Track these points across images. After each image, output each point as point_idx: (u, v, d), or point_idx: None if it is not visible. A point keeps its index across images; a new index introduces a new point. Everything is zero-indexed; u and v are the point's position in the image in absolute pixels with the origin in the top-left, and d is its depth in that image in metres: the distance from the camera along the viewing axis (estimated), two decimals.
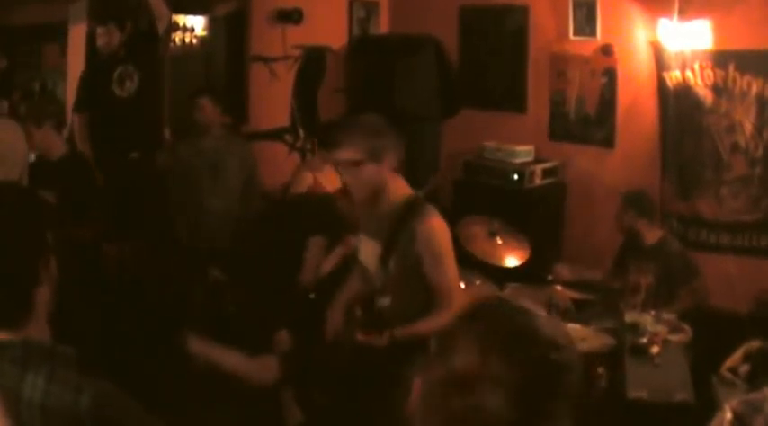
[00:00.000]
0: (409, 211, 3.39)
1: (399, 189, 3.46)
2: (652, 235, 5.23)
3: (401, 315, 3.35)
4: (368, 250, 3.54)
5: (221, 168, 5.59)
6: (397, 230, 3.37)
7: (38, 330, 1.87)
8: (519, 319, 1.36)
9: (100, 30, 5.73)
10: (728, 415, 1.91)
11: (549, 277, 5.23)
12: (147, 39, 6.19)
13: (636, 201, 5.30)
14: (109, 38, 5.71)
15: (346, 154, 3.35)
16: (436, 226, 3.39)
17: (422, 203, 3.47)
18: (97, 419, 1.78)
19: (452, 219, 6.14)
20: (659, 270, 5.03)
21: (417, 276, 3.37)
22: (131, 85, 5.78)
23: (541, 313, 1.46)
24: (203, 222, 5.61)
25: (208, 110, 5.61)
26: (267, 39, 6.76)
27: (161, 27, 6.24)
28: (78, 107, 5.74)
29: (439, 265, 3.37)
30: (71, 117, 5.85)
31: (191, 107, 5.63)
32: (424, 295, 3.39)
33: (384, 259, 3.40)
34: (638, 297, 4.92)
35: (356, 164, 3.33)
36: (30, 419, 1.78)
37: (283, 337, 4.15)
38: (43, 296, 1.86)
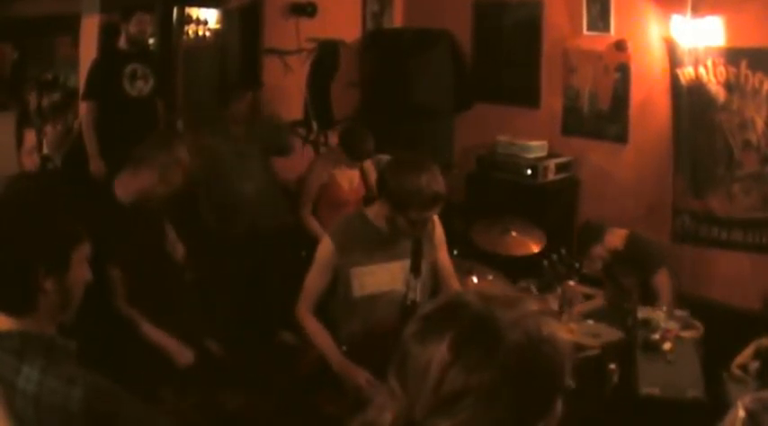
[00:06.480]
0: None
1: None
2: (617, 239, 5.22)
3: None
4: (390, 273, 3.53)
5: (248, 154, 5.61)
6: (420, 238, 3.55)
7: (41, 322, 1.87)
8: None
9: (137, 16, 5.70)
10: (741, 413, 1.93)
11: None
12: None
13: (582, 236, 5.43)
14: (142, 25, 5.72)
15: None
16: (436, 218, 3.63)
17: None
18: (89, 412, 1.78)
19: (466, 214, 6.20)
20: (635, 266, 5.07)
21: (433, 266, 3.65)
22: (145, 87, 5.77)
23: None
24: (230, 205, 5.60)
25: (250, 103, 5.74)
26: (281, 32, 6.76)
27: None
28: (87, 94, 5.71)
29: (446, 249, 3.76)
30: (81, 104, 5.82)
31: (233, 97, 5.70)
32: (433, 281, 3.67)
33: (415, 268, 3.52)
34: (632, 301, 4.93)
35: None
36: (23, 409, 1.80)
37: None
38: (51, 287, 1.86)
